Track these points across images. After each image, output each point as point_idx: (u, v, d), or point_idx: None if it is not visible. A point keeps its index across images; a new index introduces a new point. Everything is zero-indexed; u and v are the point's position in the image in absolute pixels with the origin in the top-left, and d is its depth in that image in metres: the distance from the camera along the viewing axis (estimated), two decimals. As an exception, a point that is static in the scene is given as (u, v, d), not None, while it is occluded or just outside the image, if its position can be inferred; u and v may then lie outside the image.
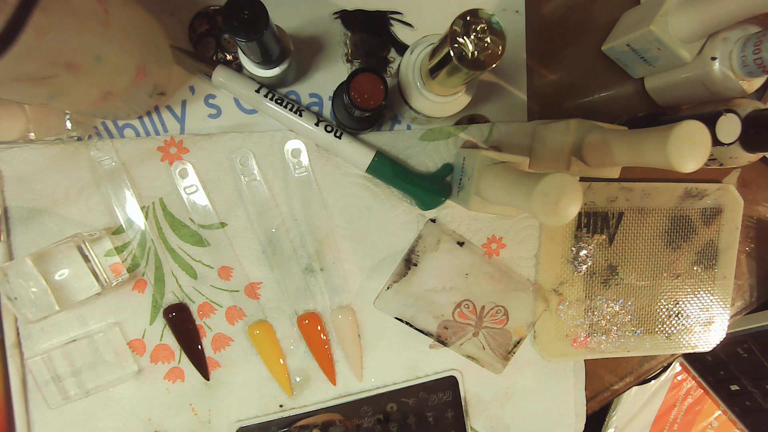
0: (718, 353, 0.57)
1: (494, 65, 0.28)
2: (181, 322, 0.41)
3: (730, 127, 0.38)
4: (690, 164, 0.30)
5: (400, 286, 0.44)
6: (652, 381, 0.59)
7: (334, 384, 0.44)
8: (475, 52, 0.28)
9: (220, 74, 0.38)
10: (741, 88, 0.40)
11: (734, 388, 0.58)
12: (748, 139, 0.39)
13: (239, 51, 0.37)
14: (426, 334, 0.45)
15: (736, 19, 0.36)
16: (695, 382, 0.63)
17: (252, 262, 0.42)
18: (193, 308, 0.42)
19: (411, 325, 0.44)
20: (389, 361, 0.45)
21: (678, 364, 0.62)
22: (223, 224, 0.42)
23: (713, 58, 0.40)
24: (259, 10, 0.31)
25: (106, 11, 0.29)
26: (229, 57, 0.41)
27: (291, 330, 0.43)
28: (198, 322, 0.42)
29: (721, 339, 0.52)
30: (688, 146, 0.30)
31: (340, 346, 0.44)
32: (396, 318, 0.44)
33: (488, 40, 0.28)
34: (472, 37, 0.28)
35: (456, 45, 0.28)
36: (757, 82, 0.41)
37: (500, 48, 0.28)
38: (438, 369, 0.46)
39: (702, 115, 0.41)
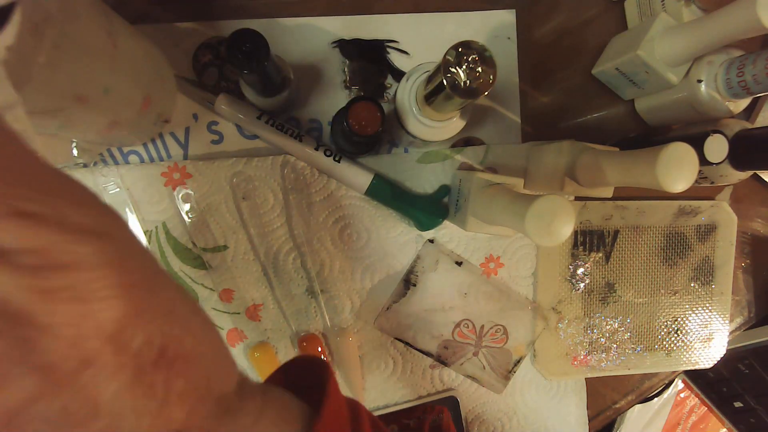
0: (720, 369, 0.57)
1: (485, 93, 0.30)
2: (183, 345, 0.42)
3: (717, 147, 0.40)
4: (679, 184, 0.31)
5: (399, 306, 0.44)
6: (655, 399, 0.59)
7: (335, 406, 0.44)
8: (467, 81, 0.29)
9: (222, 102, 0.39)
10: (728, 109, 0.42)
11: (738, 405, 0.58)
12: (737, 158, 0.40)
13: (241, 80, 0.38)
14: (426, 354, 0.45)
15: (719, 44, 0.38)
16: (698, 400, 0.63)
17: (253, 285, 0.43)
18: (195, 331, 0.42)
19: (411, 345, 0.45)
20: (389, 381, 0.45)
21: (680, 381, 0.61)
22: (224, 247, 0.42)
23: (699, 81, 0.41)
24: (260, 42, 0.32)
25: (115, 45, 0.31)
26: (231, 86, 0.42)
27: (291, 352, 0.44)
28: (199, 344, 0.42)
29: (722, 355, 0.52)
30: (676, 167, 0.31)
31: (341, 368, 0.44)
32: (396, 338, 0.44)
33: (479, 69, 0.29)
34: (464, 66, 0.29)
35: (449, 74, 0.29)
36: (744, 103, 0.43)
37: (491, 77, 0.29)
38: (438, 389, 0.46)
39: (691, 136, 0.42)
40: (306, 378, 0.25)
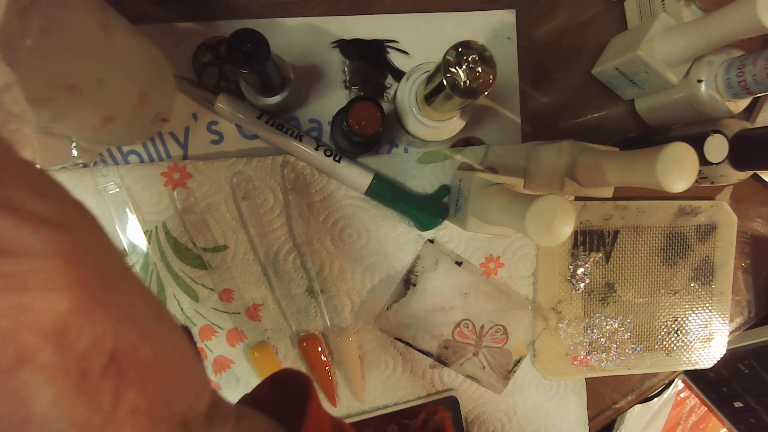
0: (720, 370, 0.57)
1: (485, 93, 0.30)
2: (183, 345, 0.42)
3: (717, 147, 0.39)
4: (678, 184, 0.31)
5: (399, 306, 0.44)
6: (655, 399, 0.59)
7: (335, 405, 0.44)
8: (467, 81, 0.29)
9: (222, 102, 0.39)
10: (728, 109, 0.41)
11: (738, 405, 0.58)
12: (737, 158, 0.40)
13: (241, 80, 0.38)
14: (426, 354, 0.45)
15: (719, 44, 0.38)
16: (698, 400, 0.63)
17: (253, 285, 0.43)
18: (195, 330, 0.42)
19: (411, 345, 0.45)
20: (389, 381, 0.45)
21: (680, 381, 0.61)
22: (224, 247, 0.42)
23: (699, 81, 0.41)
24: (260, 42, 0.32)
25: (110, 39, 0.31)
26: (231, 86, 0.42)
27: (291, 352, 0.44)
28: (199, 344, 0.42)
29: (722, 355, 0.52)
30: (676, 167, 0.31)
31: (341, 368, 0.44)
32: (396, 338, 0.44)
33: (479, 69, 0.29)
34: (464, 66, 0.29)
35: (449, 74, 0.29)
36: (744, 103, 0.43)
37: (491, 77, 0.29)
38: (438, 389, 0.46)
39: (691, 136, 0.42)
40: (291, 391, 0.24)
